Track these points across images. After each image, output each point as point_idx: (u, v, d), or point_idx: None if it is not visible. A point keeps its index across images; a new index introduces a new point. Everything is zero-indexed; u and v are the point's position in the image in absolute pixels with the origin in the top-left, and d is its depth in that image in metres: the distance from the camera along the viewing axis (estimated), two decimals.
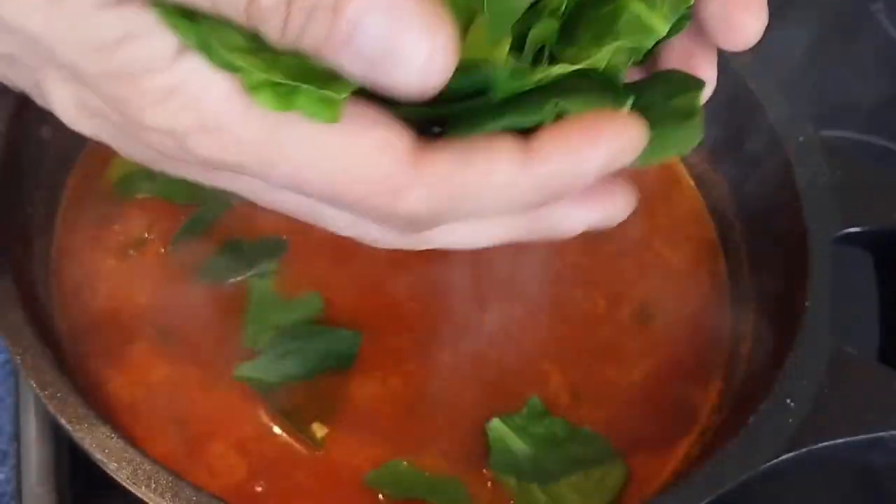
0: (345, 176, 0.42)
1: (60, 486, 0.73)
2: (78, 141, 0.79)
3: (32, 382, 0.60)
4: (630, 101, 0.45)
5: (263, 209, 0.49)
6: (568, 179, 0.43)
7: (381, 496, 0.66)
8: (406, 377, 0.72)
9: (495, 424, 0.69)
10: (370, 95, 0.41)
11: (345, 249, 0.69)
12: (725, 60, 0.80)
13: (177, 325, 0.72)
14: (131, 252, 0.74)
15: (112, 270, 0.74)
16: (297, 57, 0.40)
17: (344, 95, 0.40)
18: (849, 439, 0.65)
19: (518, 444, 0.68)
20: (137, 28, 0.40)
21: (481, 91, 0.43)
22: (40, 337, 0.62)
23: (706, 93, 0.51)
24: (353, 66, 0.39)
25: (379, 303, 0.74)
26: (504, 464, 0.68)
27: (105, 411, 0.65)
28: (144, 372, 0.69)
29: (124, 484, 0.58)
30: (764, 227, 0.78)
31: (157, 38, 0.40)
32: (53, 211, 0.75)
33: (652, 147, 0.45)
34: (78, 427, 0.59)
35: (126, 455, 0.58)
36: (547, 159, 0.42)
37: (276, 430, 0.68)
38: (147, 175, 0.77)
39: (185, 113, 0.41)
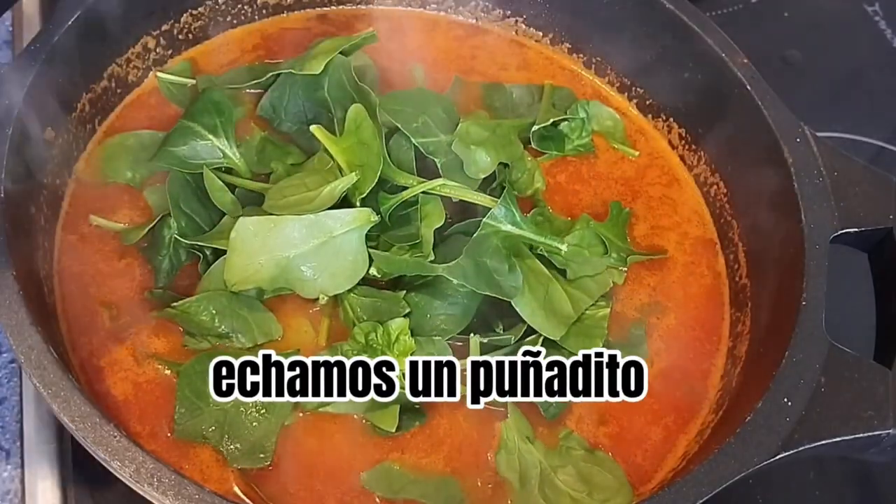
0: None
1: (64, 483, 0.73)
2: (79, 142, 0.80)
3: (36, 382, 0.60)
4: None
5: None
6: None
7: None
8: None
9: (509, 423, 0.69)
10: None
11: None
12: (724, 63, 0.82)
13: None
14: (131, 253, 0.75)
15: (113, 270, 0.74)
16: None
17: None
18: (845, 438, 0.65)
19: (527, 448, 0.69)
20: None
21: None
22: (44, 336, 0.62)
23: None
24: None
25: None
26: (508, 463, 0.68)
27: (107, 410, 0.66)
28: (143, 371, 0.70)
29: (127, 482, 0.59)
30: (762, 227, 0.78)
31: None
32: (56, 211, 0.76)
33: None
34: (81, 426, 0.59)
35: (129, 453, 0.58)
36: None
37: None
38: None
39: None
